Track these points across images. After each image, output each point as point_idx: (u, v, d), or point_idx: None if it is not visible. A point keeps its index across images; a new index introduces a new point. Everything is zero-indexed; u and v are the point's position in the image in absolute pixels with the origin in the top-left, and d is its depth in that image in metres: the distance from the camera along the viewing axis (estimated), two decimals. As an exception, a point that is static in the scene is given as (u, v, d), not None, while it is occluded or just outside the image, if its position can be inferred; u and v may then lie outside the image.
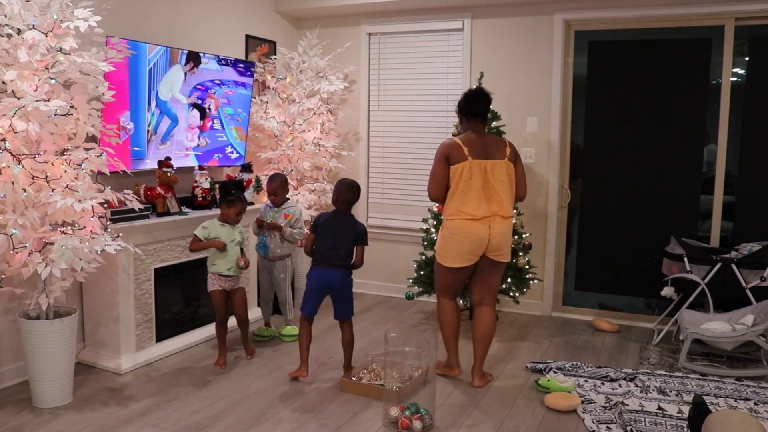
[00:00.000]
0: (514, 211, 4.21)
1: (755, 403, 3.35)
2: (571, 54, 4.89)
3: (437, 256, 3.56)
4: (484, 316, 3.57)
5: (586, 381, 3.63)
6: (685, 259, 4.12)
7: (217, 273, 3.83)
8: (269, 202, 4.30)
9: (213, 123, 4.51)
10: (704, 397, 3.41)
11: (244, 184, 4.56)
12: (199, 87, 4.33)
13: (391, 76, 5.44)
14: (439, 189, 3.45)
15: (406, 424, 3.00)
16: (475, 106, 3.47)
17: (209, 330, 4.34)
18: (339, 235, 3.52)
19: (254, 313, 4.66)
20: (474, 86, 3.64)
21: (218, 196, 4.28)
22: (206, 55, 4.34)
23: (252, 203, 4.62)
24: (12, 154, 2.89)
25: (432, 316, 4.93)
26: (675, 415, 3.18)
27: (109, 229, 3.23)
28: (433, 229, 4.64)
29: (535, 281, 4.64)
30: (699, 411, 2.90)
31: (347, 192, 3.57)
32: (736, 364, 3.88)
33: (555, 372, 3.74)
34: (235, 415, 3.18)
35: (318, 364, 3.88)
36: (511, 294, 4.52)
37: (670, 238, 4.44)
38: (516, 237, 4.47)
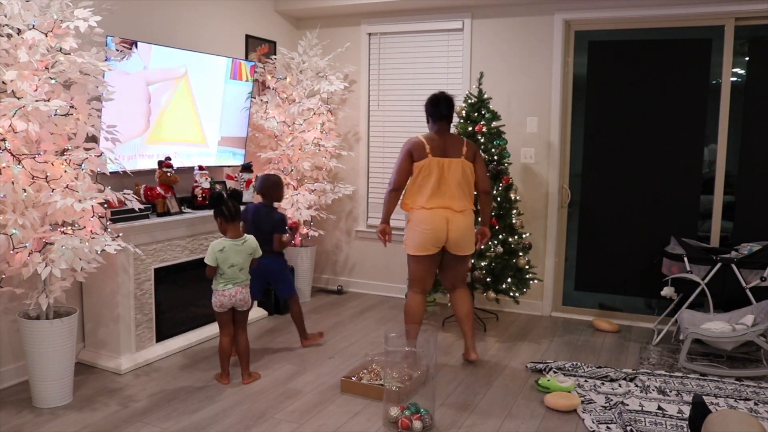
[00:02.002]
0: (506, 204, 4.47)
1: (755, 403, 3.35)
2: (571, 54, 4.89)
3: (405, 247, 3.88)
4: (460, 296, 3.92)
5: (586, 381, 3.63)
6: (685, 259, 4.12)
7: None
8: None
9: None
10: (704, 397, 3.41)
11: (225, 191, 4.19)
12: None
13: (391, 76, 5.44)
14: (401, 178, 3.80)
15: (406, 424, 3.00)
16: (438, 109, 3.80)
17: (209, 330, 4.34)
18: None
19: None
20: (438, 91, 3.89)
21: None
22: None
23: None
24: (12, 154, 2.89)
25: (432, 316, 4.94)
26: (675, 415, 3.18)
27: (109, 229, 3.23)
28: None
29: (535, 281, 4.64)
30: (699, 411, 2.89)
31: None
32: (736, 364, 3.88)
33: (555, 372, 3.74)
34: (235, 415, 3.18)
35: (318, 364, 3.88)
36: (511, 294, 4.52)
37: (670, 238, 4.44)
38: (516, 237, 4.47)
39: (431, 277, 3.90)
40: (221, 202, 3.54)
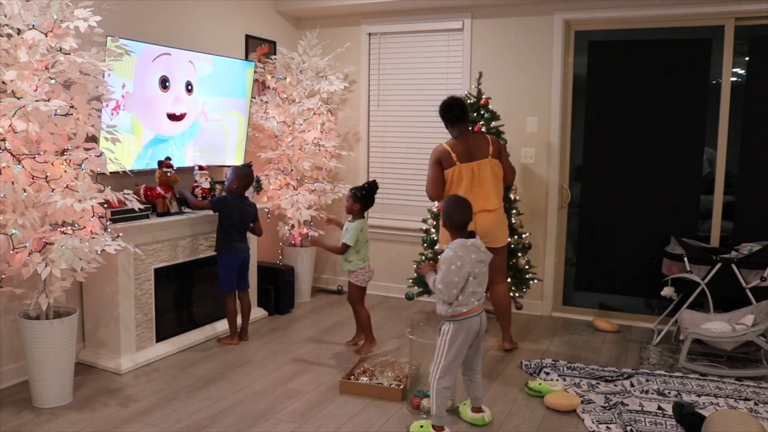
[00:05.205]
0: (506, 204, 4.43)
1: (755, 403, 3.35)
2: (571, 54, 4.89)
3: (439, 245, 4.03)
4: (497, 291, 4.07)
5: (581, 380, 3.63)
6: (685, 259, 4.12)
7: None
8: None
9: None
10: (704, 397, 3.41)
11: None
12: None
13: (391, 76, 5.44)
14: (437, 189, 3.94)
15: (417, 401, 3.24)
16: (453, 113, 3.95)
17: (209, 330, 4.34)
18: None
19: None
20: (447, 96, 4.05)
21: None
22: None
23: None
24: (12, 154, 2.88)
25: (432, 316, 4.93)
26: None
27: (109, 229, 3.23)
28: (433, 229, 4.63)
29: (535, 281, 4.64)
30: (690, 421, 2.92)
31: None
32: (736, 364, 3.88)
33: (547, 372, 3.74)
34: (235, 415, 3.18)
35: (318, 364, 3.88)
36: (512, 294, 4.52)
37: (670, 238, 4.44)
38: (516, 237, 4.48)
39: None
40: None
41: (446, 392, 2.93)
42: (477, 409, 3.14)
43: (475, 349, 3.05)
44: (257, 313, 4.76)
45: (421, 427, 2.96)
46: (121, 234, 3.31)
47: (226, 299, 4.21)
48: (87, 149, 3.11)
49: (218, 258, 4.19)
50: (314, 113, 5.18)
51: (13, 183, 2.86)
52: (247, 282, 4.35)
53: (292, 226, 5.24)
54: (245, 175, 4.20)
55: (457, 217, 2.98)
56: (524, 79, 4.94)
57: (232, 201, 4.13)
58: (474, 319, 2.93)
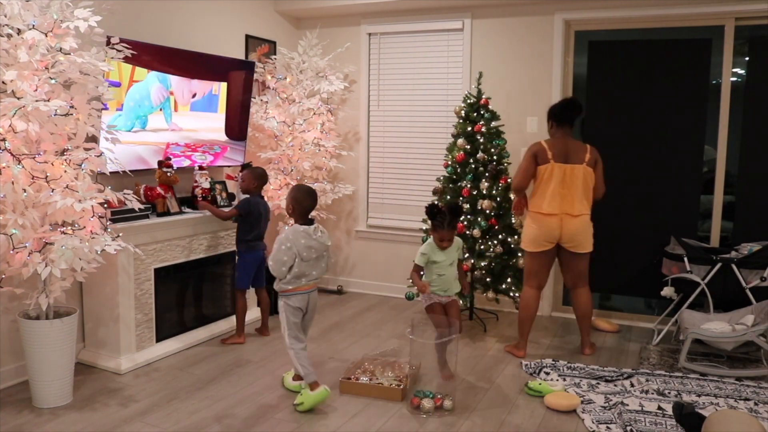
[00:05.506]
0: (506, 204, 4.49)
1: (755, 403, 3.35)
2: (571, 54, 4.89)
3: (522, 244, 4.08)
4: (580, 296, 4.10)
5: (581, 380, 3.63)
6: (685, 259, 4.12)
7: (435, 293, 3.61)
8: None
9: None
10: (704, 397, 3.41)
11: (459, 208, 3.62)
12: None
13: (391, 76, 5.44)
14: (523, 180, 3.97)
15: (417, 401, 3.25)
16: (568, 113, 3.94)
17: (209, 330, 4.35)
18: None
19: (254, 313, 4.67)
20: (571, 96, 4.04)
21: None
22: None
23: None
24: (12, 154, 2.88)
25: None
26: (675, 415, 3.18)
27: (109, 229, 3.23)
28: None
29: (535, 281, 4.63)
30: (693, 420, 2.92)
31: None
32: (736, 364, 3.88)
33: (547, 372, 3.74)
34: (235, 415, 3.18)
35: (318, 364, 3.88)
36: (511, 294, 4.52)
37: (670, 238, 4.44)
38: (516, 237, 4.48)
39: (545, 274, 4.05)
40: (456, 213, 3.50)
41: (302, 353, 3.32)
42: (297, 377, 3.44)
43: (306, 322, 3.44)
44: (257, 313, 4.76)
45: (300, 394, 3.27)
46: (121, 234, 3.31)
47: (239, 297, 4.27)
48: (87, 149, 3.11)
49: (238, 256, 4.28)
50: (314, 113, 5.17)
51: (13, 183, 2.86)
52: (264, 279, 4.41)
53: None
54: (261, 175, 4.31)
55: (307, 203, 3.32)
56: (524, 79, 4.94)
57: (257, 201, 4.24)
58: (298, 297, 3.31)
